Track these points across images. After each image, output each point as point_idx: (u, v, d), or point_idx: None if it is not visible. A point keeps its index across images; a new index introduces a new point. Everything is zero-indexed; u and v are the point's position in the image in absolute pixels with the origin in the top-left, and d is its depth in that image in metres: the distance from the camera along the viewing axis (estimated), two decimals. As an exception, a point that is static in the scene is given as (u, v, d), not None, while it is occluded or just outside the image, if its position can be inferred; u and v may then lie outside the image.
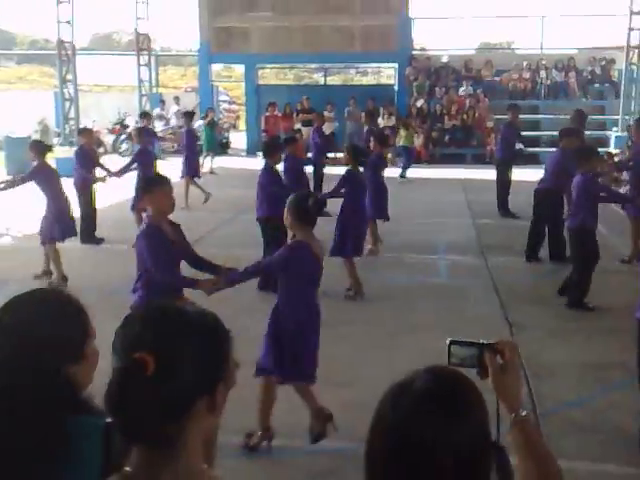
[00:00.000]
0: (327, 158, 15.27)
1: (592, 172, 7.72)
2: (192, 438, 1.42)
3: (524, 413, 1.75)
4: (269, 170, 8.37)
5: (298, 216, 4.65)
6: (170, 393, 1.37)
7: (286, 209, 4.70)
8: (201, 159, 18.01)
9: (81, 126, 19.86)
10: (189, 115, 15.11)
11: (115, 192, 13.06)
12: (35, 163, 8.89)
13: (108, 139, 22.56)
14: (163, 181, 5.08)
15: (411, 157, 18.10)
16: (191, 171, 13.97)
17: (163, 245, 4.86)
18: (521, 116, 17.52)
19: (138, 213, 9.89)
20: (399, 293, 8.43)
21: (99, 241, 10.70)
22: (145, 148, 11.59)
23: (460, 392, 1.48)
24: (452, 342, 1.77)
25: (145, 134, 12.19)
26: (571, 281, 7.88)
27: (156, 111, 23.86)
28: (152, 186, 5.05)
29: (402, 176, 17.23)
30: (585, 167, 7.62)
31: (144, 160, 11.16)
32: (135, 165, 11.23)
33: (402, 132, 18.21)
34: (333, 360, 4.85)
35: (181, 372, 1.39)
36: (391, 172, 13.94)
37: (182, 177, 13.72)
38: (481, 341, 1.77)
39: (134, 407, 1.34)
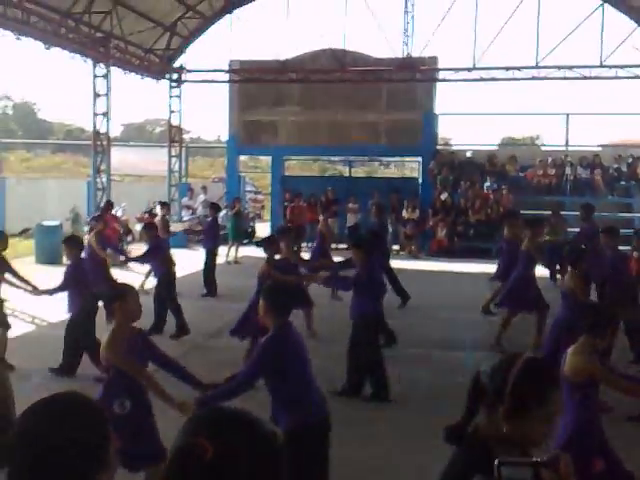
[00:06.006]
0: None
1: None
2: None
3: None
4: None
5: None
6: None
7: None
8: (226, 248, 18.11)
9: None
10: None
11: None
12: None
13: (137, 227, 22.88)
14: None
15: None
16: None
17: None
18: (546, 212, 17.52)
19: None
20: (426, 392, 8.26)
21: None
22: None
23: None
24: (501, 463, 1.66)
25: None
26: None
27: (184, 200, 24.27)
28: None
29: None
30: None
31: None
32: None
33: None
34: (358, 464, 4.65)
35: (235, 470, 1.35)
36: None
37: None
38: (534, 459, 1.68)
39: None
